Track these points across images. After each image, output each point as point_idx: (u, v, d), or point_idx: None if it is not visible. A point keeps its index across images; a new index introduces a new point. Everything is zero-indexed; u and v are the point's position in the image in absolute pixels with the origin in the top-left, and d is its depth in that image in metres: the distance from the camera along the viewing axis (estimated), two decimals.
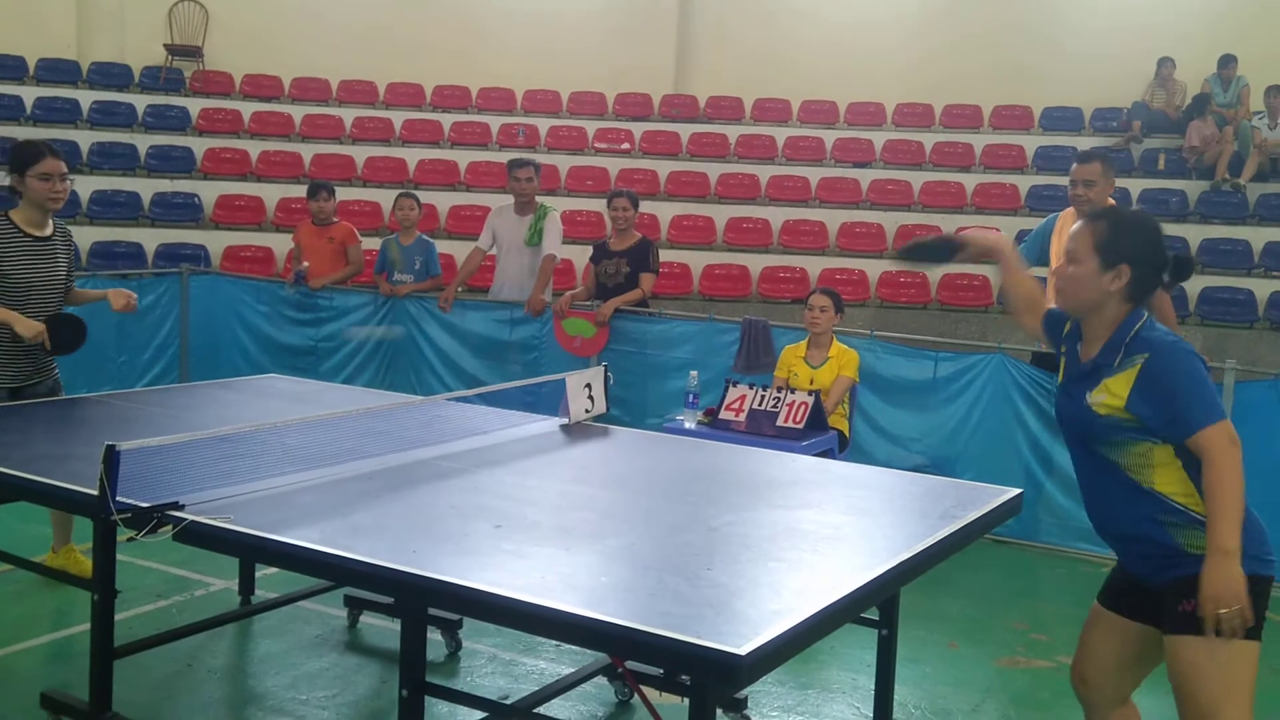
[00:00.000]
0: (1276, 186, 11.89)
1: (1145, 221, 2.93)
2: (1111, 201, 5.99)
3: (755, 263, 11.50)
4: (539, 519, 3.04)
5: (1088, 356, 2.89)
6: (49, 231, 4.85)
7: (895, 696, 3.66)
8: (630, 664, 3.70)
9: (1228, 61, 12.75)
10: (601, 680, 4.10)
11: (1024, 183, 12.58)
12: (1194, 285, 10.80)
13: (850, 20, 14.28)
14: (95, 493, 2.96)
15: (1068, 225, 6.03)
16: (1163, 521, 2.76)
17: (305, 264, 8.11)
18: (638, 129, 13.82)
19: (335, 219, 8.33)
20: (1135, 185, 12.23)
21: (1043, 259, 6.19)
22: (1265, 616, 2.77)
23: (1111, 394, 2.78)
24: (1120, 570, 3.01)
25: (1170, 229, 11.47)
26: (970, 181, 12.77)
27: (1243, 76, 12.74)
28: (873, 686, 3.56)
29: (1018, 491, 3.53)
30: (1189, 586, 2.70)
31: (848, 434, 6.09)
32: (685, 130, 13.79)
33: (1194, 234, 11.45)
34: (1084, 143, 12.66)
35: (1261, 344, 10.14)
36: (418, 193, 8.66)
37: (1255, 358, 9.23)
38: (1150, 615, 2.86)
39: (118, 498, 2.95)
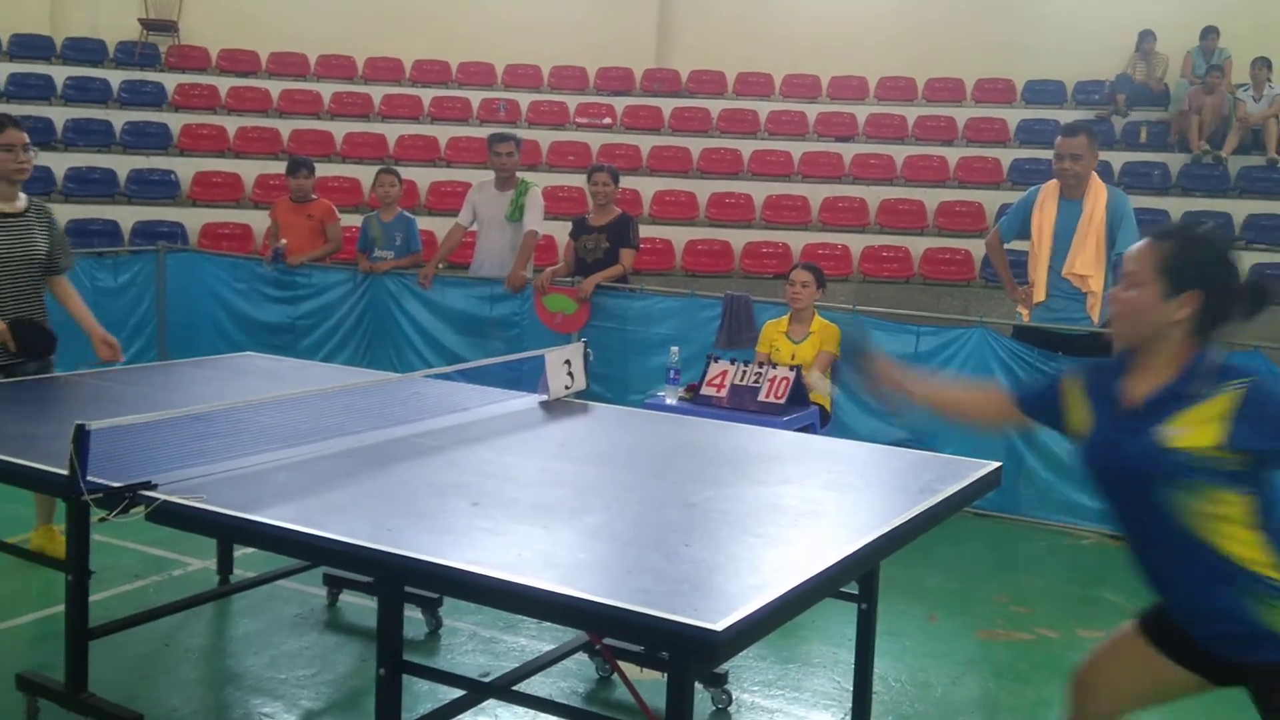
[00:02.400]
0: (1258, 159, 11.91)
1: (1218, 241, 2.53)
2: (1093, 174, 5.99)
3: (737, 238, 11.46)
4: (517, 496, 3.02)
5: (1145, 392, 2.48)
6: (21, 207, 4.78)
7: (876, 670, 3.66)
8: (611, 641, 3.70)
9: (1209, 33, 12.74)
10: (582, 657, 4.09)
11: (1006, 156, 12.57)
12: None
13: None
14: (66, 473, 2.92)
15: (1050, 198, 6.03)
16: (1236, 590, 2.36)
17: (283, 241, 8.04)
18: (619, 104, 13.73)
19: (314, 196, 8.26)
20: (1117, 158, 12.24)
21: (1023, 232, 6.19)
22: None
23: (1196, 425, 2.36)
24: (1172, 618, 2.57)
25: (1152, 202, 11.49)
26: (953, 155, 12.74)
27: (1225, 49, 12.74)
28: (854, 660, 3.56)
29: (997, 465, 3.52)
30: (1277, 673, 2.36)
31: (829, 409, 6.08)
32: (667, 105, 13.72)
33: (1176, 206, 11.47)
34: (1066, 116, 12.64)
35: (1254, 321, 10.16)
36: (398, 169, 8.59)
37: (1236, 330, 9.26)
38: (1197, 665, 2.51)
39: (89, 478, 2.91)
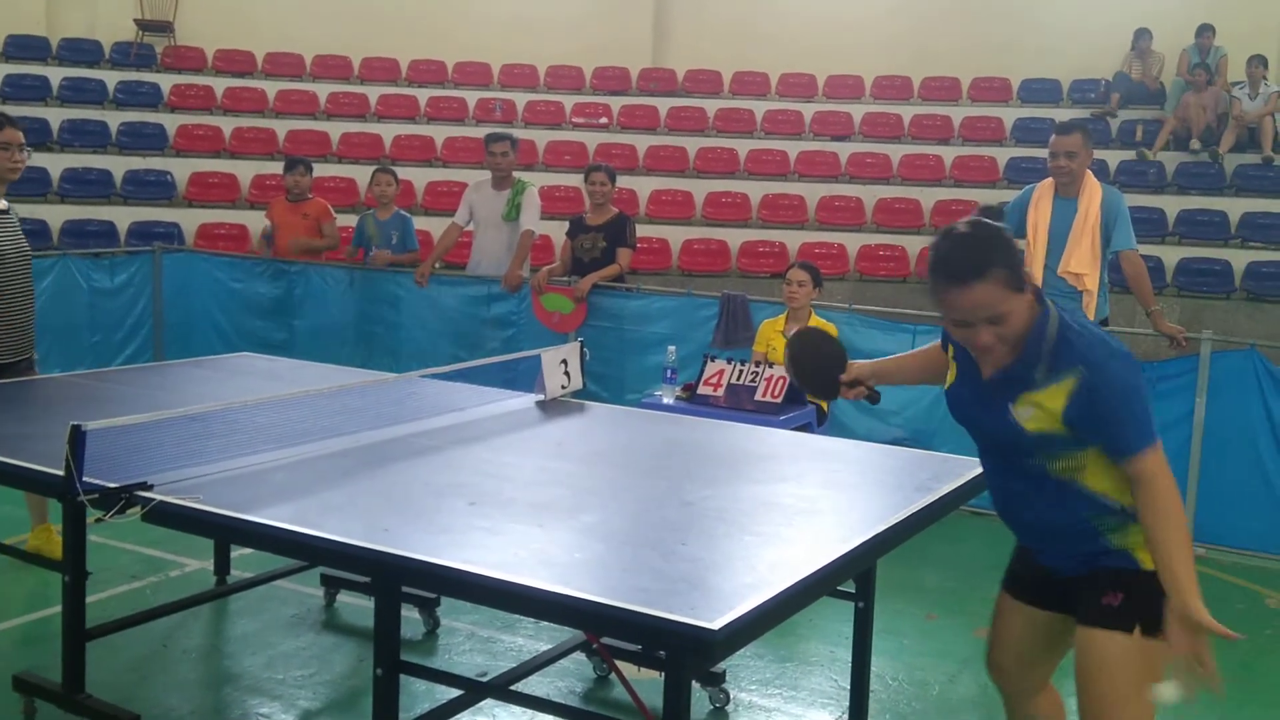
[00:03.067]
0: (1254, 157, 11.92)
1: (984, 230, 2.50)
2: (1088, 172, 5.99)
3: (734, 237, 11.46)
4: (514, 495, 3.02)
5: (993, 367, 2.59)
6: (3, 205, 4.78)
7: (873, 668, 3.67)
8: (609, 640, 3.70)
9: (1204, 31, 12.75)
10: (580, 656, 4.10)
11: (1002, 155, 12.57)
12: (1171, 256, 10.84)
13: None
14: (62, 473, 2.91)
15: (1045, 197, 6.03)
16: (1091, 519, 2.58)
17: (268, 222, 8.05)
18: (615, 103, 13.73)
19: (310, 195, 8.26)
20: (1113, 156, 12.25)
21: (1019, 232, 6.19)
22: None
23: (1042, 410, 2.51)
24: (1024, 560, 2.84)
25: (1148, 200, 11.50)
26: (949, 154, 12.75)
27: (1221, 47, 12.75)
28: (851, 659, 3.56)
29: None
30: (1112, 579, 2.58)
31: (826, 408, 6.08)
32: (663, 104, 13.71)
33: (1171, 205, 11.49)
34: (1062, 114, 12.64)
35: (1238, 314, 10.19)
36: (394, 168, 8.59)
37: (1231, 328, 9.28)
38: (1060, 603, 2.73)
39: (85, 478, 2.91)
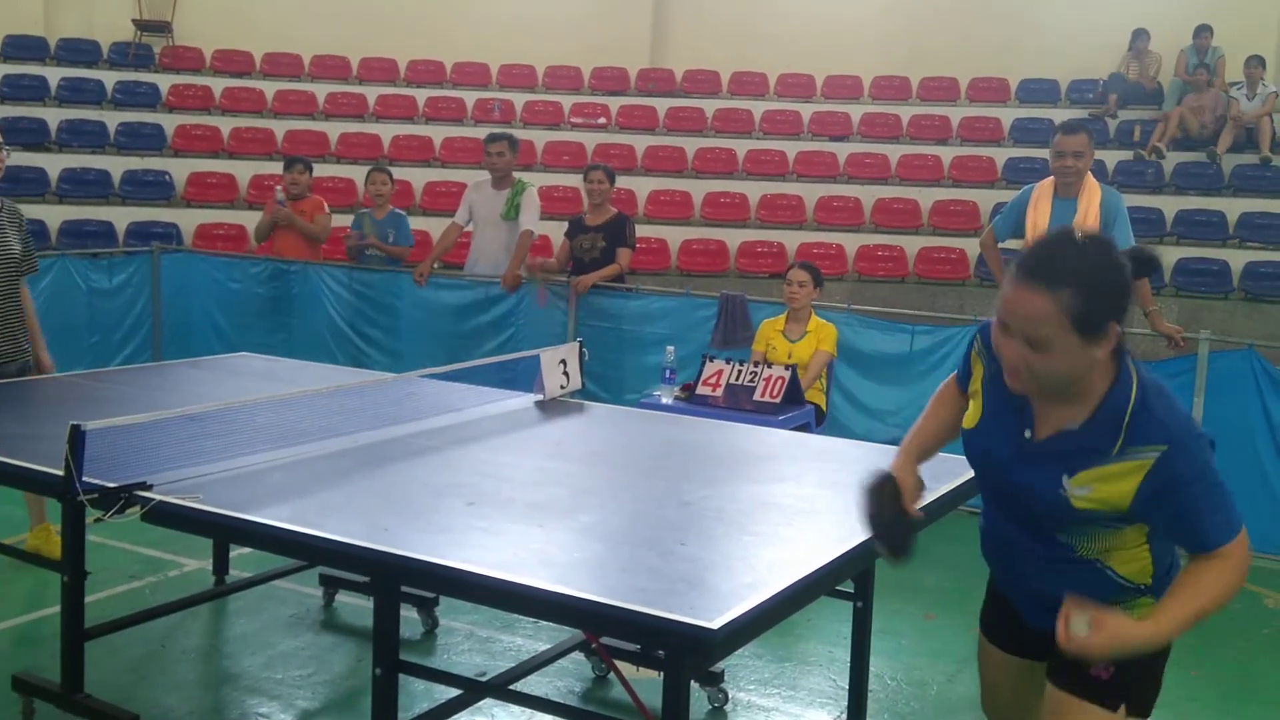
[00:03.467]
0: (1252, 157, 11.93)
1: (1107, 256, 2.14)
2: (1089, 173, 5.99)
3: (733, 237, 11.46)
4: (512, 495, 3.02)
5: (1055, 427, 2.24)
6: None
7: (871, 668, 3.68)
8: (608, 640, 3.70)
9: (1202, 31, 12.76)
10: (579, 656, 4.10)
11: (1001, 155, 12.58)
12: (1170, 256, 10.84)
13: None
14: (61, 473, 2.92)
15: (1044, 197, 6.03)
16: (1109, 599, 2.29)
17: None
18: (614, 103, 13.73)
19: (309, 194, 8.26)
20: (1111, 157, 12.26)
21: (1018, 232, 6.20)
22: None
23: (1108, 488, 2.17)
24: (1003, 611, 2.57)
25: (1146, 200, 11.51)
26: (947, 154, 12.75)
27: (1219, 47, 12.75)
28: (850, 659, 3.56)
29: None
30: None
31: (825, 408, 6.08)
32: (662, 104, 13.71)
33: (1170, 205, 11.49)
34: (1060, 115, 12.64)
35: (1236, 314, 10.20)
36: (392, 168, 8.59)
37: (1230, 328, 9.29)
38: (1044, 653, 2.42)
39: (85, 478, 2.91)
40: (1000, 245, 6.45)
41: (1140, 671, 2.32)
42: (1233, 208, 11.41)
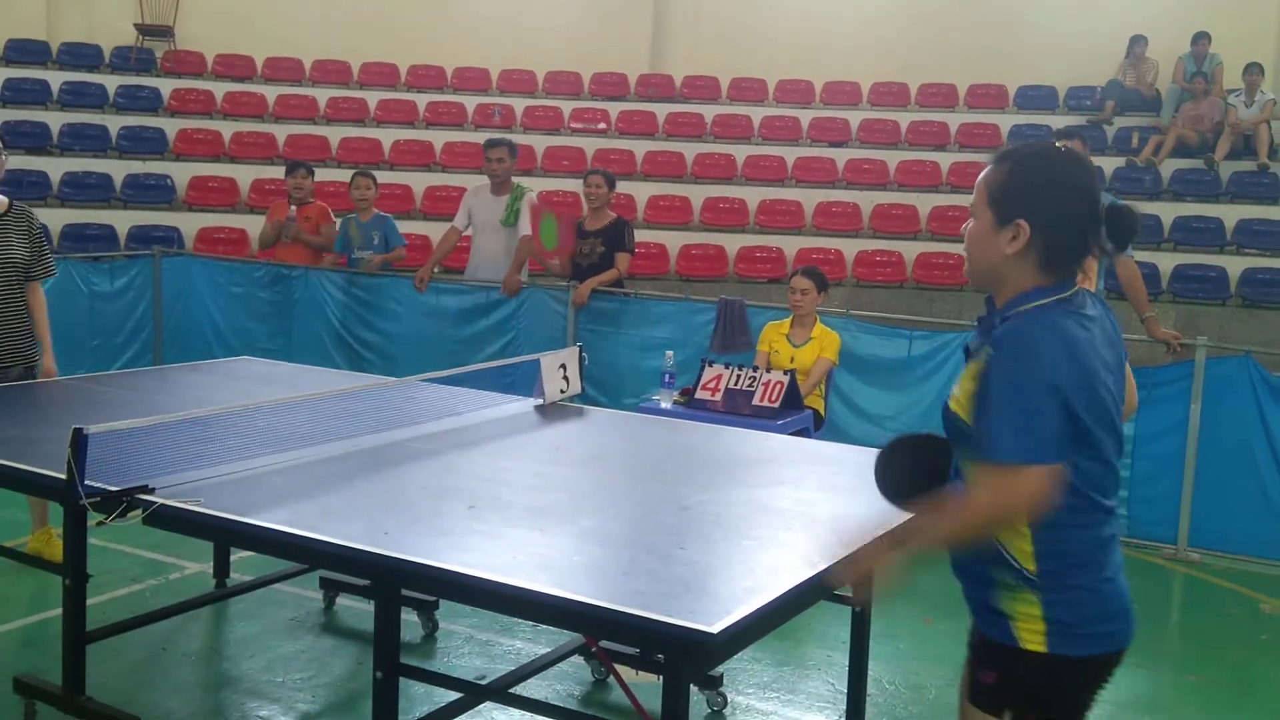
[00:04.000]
0: (1249, 164, 11.96)
1: (1058, 163, 2.19)
2: None
3: (732, 242, 11.49)
4: (512, 499, 3.04)
5: (974, 342, 2.28)
6: None
7: (870, 672, 3.70)
8: (607, 644, 3.72)
9: (1200, 38, 12.79)
10: (578, 659, 4.11)
11: None
12: (1167, 263, 10.88)
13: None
14: (64, 477, 2.93)
15: None
16: (987, 564, 2.22)
17: (292, 211, 8.04)
18: (614, 109, 13.76)
19: (312, 199, 8.27)
20: (1109, 163, 12.28)
21: None
22: (1077, 701, 2.24)
23: (962, 387, 2.19)
24: None
25: (1144, 206, 11.52)
26: (945, 160, 12.78)
27: (1216, 54, 12.79)
28: (849, 663, 3.58)
29: None
30: (991, 653, 2.23)
31: (823, 413, 6.10)
32: (661, 110, 13.74)
33: (1167, 211, 11.52)
34: (1058, 121, 12.70)
35: (1233, 321, 10.22)
36: (393, 173, 8.61)
37: (1227, 334, 9.32)
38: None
39: (86, 482, 2.93)
40: None
41: (1019, 676, 2.18)
42: (1230, 214, 11.44)
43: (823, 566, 2.52)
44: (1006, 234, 2.16)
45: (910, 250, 11.29)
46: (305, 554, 2.82)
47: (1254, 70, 12.07)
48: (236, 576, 4.81)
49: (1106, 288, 6.19)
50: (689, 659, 2.22)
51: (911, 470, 2.47)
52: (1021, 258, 2.16)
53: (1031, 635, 2.16)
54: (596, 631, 2.90)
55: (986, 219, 2.19)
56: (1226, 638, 4.84)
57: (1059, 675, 2.17)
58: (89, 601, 3.41)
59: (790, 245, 11.37)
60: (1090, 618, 2.17)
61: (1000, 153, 2.24)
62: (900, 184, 12.52)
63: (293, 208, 8.07)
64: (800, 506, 3.06)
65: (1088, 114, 13.24)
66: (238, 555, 4.92)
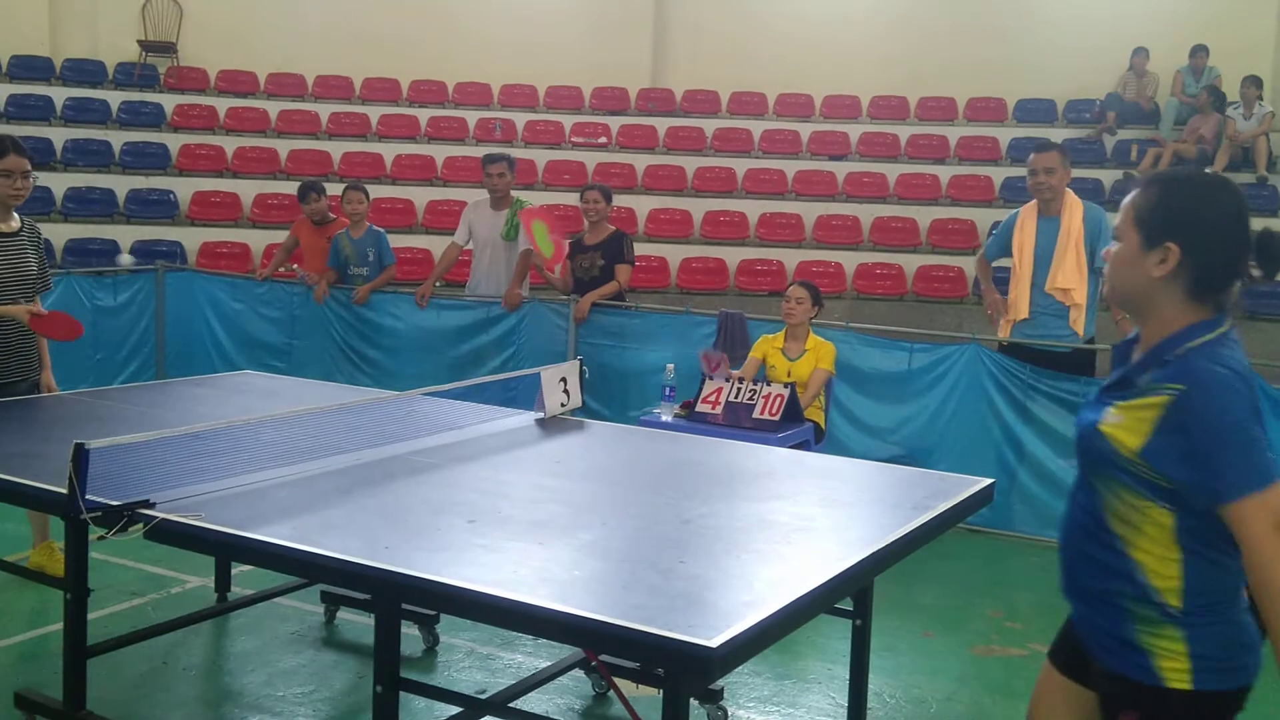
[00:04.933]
0: (1248, 176, 11.97)
1: (1209, 188, 2.17)
2: (1068, 190, 6.10)
3: (732, 255, 11.51)
4: (512, 513, 3.04)
5: (1130, 371, 2.23)
6: (15, 227, 4.82)
7: (870, 686, 3.69)
8: (607, 657, 3.72)
9: (1198, 51, 12.83)
10: (579, 673, 4.11)
11: (998, 174, 12.64)
12: None
13: (825, 14, 14.30)
14: (65, 491, 2.94)
15: (1029, 218, 6.18)
16: (1125, 598, 2.17)
17: (300, 270, 8.07)
18: (614, 123, 13.80)
19: (333, 217, 8.26)
20: (1108, 176, 12.31)
21: (1006, 252, 6.31)
22: None
23: (1129, 417, 2.13)
24: (1069, 626, 2.43)
25: None
26: (945, 173, 12.81)
27: (1215, 67, 12.83)
28: (849, 676, 3.58)
29: (990, 481, 3.55)
30: (1130, 694, 2.17)
31: (824, 426, 6.11)
32: (662, 124, 13.79)
33: None
34: (1058, 134, 12.72)
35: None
36: (395, 187, 8.63)
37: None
38: (1089, 678, 2.34)
39: (88, 496, 2.94)
40: (991, 264, 6.53)
41: (1173, 715, 2.14)
42: None
43: (823, 580, 2.53)
44: (1155, 256, 2.15)
45: (910, 263, 11.31)
46: (306, 568, 2.82)
47: (1251, 83, 12.11)
48: (237, 590, 4.82)
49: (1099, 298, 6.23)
50: (690, 673, 2.22)
51: None
52: (1169, 282, 2.15)
53: (1175, 673, 2.12)
54: (597, 646, 2.90)
55: (1134, 240, 2.18)
56: None
57: (1205, 712, 2.13)
58: (90, 616, 3.42)
59: (790, 258, 11.39)
60: (1234, 650, 2.13)
61: (1149, 176, 2.25)
62: (900, 197, 12.55)
63: (295, 266, 8.08)
64: (801, 520, 3.07)
65: (1086, 127, 13.27)
66: (239, 569, 4.93)
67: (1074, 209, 6.06)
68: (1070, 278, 6.00)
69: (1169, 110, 12.77)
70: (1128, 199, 2.23)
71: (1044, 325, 6.12)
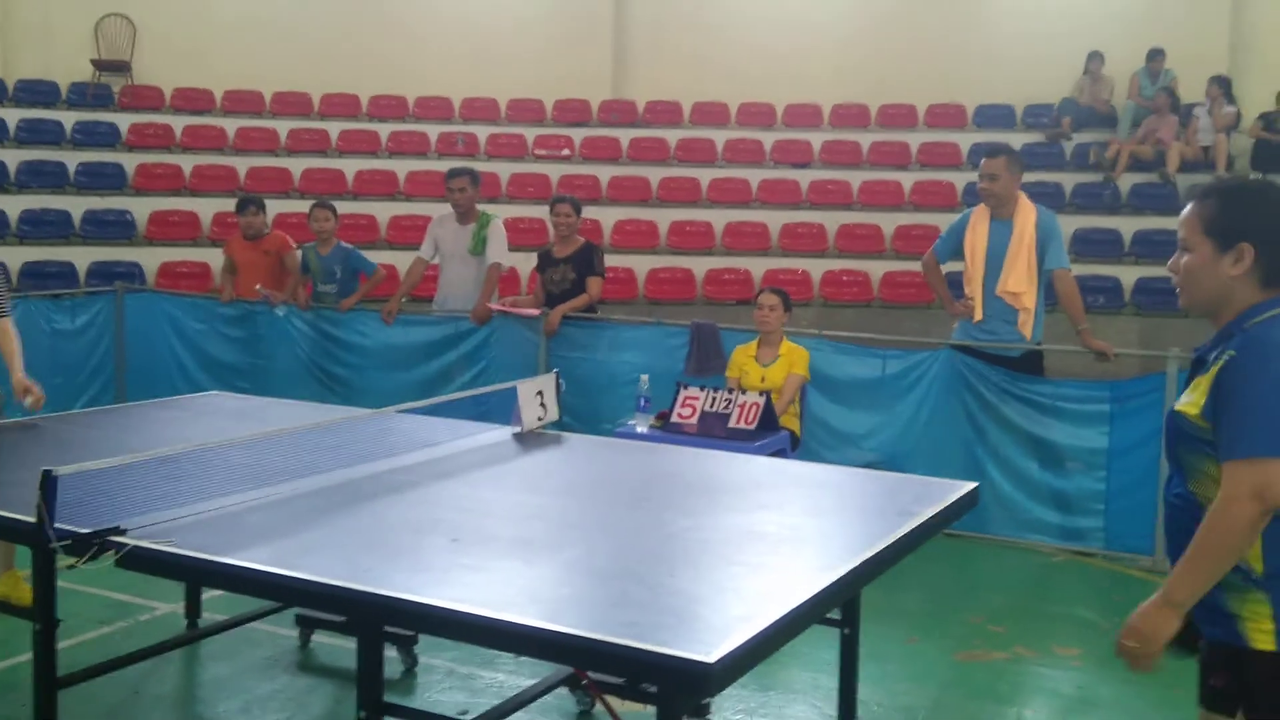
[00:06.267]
0: (1206, 176, 12.12)
1: (1264, 189, 2.43)
2: (1020, 194, 6.15)
3: (699, 265, 11.51)
4: (495, 531, 2.99)
5: (1204, 351, 2.43)
6: None
7: (857, 694, 3.65)
8: (594, 674, 3.66)
9: (1156, 55, 12.99)
10: (562, 691, 4.05)
11: (959, 179, 12.72)
12: (1129, 276, 11.00)
13: (784, 22, 14.34)
14: (33, 520, 2.85)
15: (981, 220, 6.23)
16: None
17: (264, 291, 7.95)
18: (577, 134, 13.77)
19: (267, 230, 8.18)
20: (1068, 179, 12.43)
21: (958, 254, 6.35)
22: None
23: (1199, 391, 2.32)
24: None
25: (1104, 221, 11.67)
26: (907, 180, 12.89)
27: (1171, 70, 13.00)
28: (834, 685, 3.55)
29: (973, 485, 3.54)
30: (1223, 655, 2.32)
31: (799, 433, 6.09)
32: (625, 135, 13.77)
33: (1127, 225, 11.66)
34: (1017, 139, 12.82)
35: (1200, 331, 10.14)
36: (356, 203, 8.54)
37: (1195, 344, 9.37)
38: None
39: (57, 524, 2.85)
40: (942, 267, 6.56)
41: (1254, 677, 2.27)
42: None
43: (815, 590, 2.50)
44: (1229, 258, 2.35)
45: (876, 269, 11.36)
46: (285, 593, 2.74)
47: (1214, 84, 12.27)
48: (209, 616, 4.71)
49: (1046, 301, 6.28)
50: (686, 689, 2.18)
51: None
52: (1246, 277, 2.35)
53: (1262, 635, 2.25)
54: (592, 665, 2.84)
55: (1206, 248, 2.38)
56: None
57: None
58: (58, 645, 3.32)
59: (757, 266, 11.40)
60: None
61: (1202, 189, 2.46)
62: (864, 204, 12.61)
63: (258, 287, 7.97)
64: (787, 530, 3.04)
65: (1045, 131, 13.40)
66: (209, 594, 4.82)
67: (1027, 213, 6.11)
68: (1020, 282, 6.06)
69: (1126, 113, 12.92)
70: (1187, 212, 2.42)
71: (992, 328, 6.17)
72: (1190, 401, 2.34)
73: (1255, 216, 2.36)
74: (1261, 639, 2.25)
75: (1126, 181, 12.33)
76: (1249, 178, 2.42)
